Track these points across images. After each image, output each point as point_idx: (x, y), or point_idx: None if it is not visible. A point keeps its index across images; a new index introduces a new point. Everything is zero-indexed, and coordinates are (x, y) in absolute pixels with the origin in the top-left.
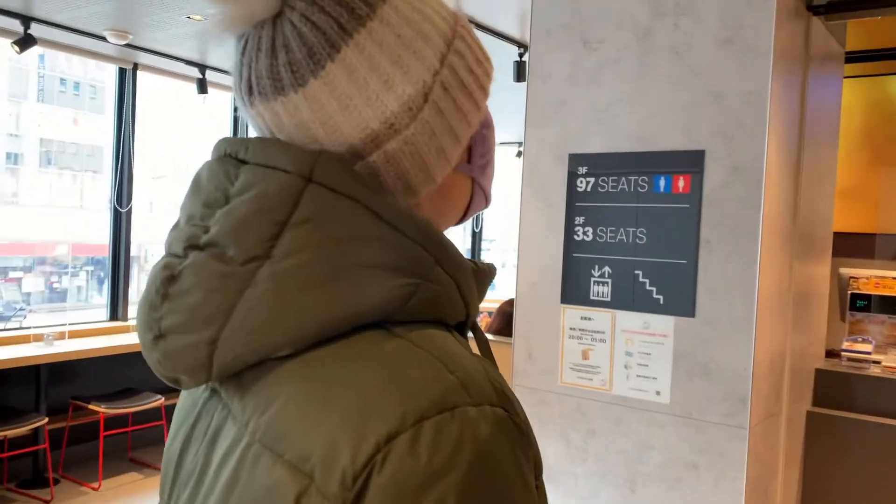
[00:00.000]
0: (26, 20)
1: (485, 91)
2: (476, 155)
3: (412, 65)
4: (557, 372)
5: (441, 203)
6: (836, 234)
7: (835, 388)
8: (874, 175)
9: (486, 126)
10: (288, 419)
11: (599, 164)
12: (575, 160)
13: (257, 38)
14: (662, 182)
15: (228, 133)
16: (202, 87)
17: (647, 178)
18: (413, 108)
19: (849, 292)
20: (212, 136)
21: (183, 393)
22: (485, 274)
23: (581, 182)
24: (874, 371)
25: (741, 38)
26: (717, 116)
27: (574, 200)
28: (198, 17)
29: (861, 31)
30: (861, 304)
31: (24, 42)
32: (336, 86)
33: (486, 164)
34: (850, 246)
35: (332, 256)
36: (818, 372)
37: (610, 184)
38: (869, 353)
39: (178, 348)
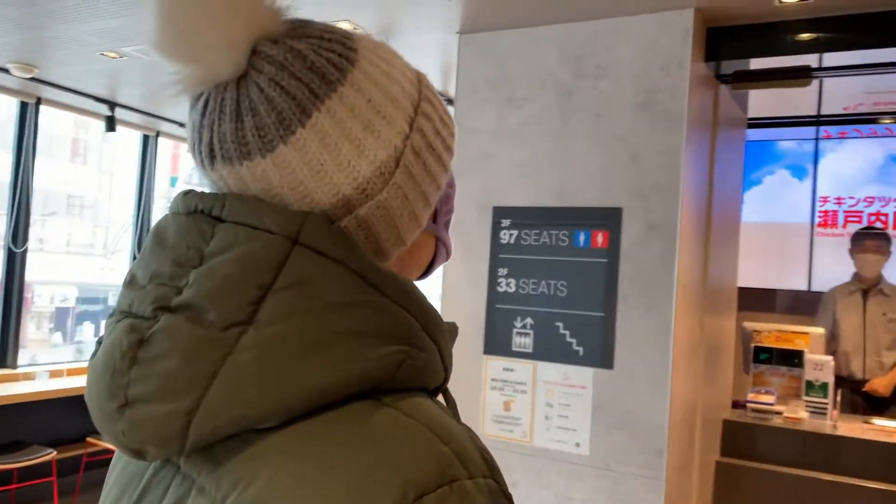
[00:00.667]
0: None
1: (450, 151)
2: (441, 213)
3: (383, 130)
4: (479, 423)
5: (408, 261)
6: (739, 288)
7: (741, 439)
8: (777, 232)
9: (451, 185)
10: (277, 495)
11: (523, 217)
12: (499, 213)
13: (220, 99)
14: (582, 237)
15: (136, 171)
16: (111, 124)
17: (567, 233)
18: (385, 172)
19: (752, 345)
20: (115, 173)
21: (119, 462)
22: (451, 335)
23: (505, 234)
24: (776, 422)
25: (657, 102)
26: (634, 176)
27: (498, 252)
28: (112, 55)
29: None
30: (763, 356)
31: None
32: (307, 151)
33: (449, 221)
34: (753, 300)
35: (320, 323)
36: (725, 423)
37: (532, 237)
38: (771, 405)
39: (149, 418)
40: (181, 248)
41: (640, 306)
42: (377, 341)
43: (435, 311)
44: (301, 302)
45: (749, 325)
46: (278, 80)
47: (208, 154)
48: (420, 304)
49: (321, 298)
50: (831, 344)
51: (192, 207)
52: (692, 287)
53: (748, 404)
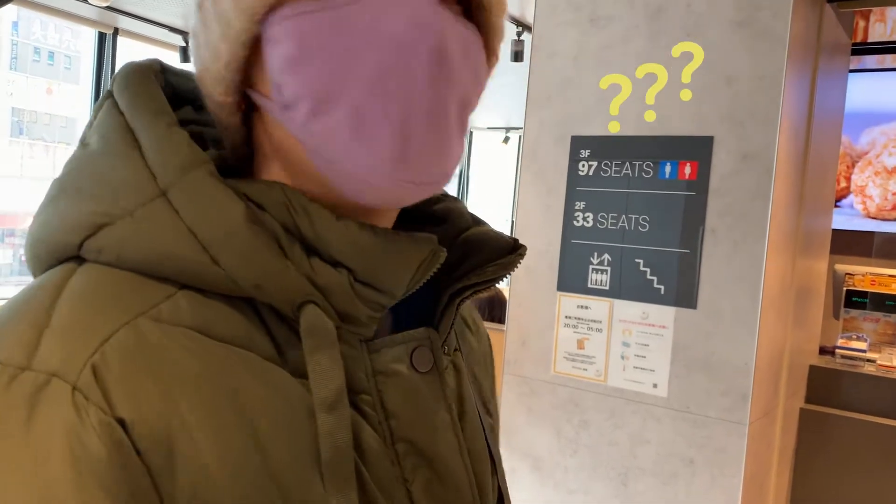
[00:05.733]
0: None
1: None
2: (277, 80)
3: None
4: (551, 361)
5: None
6: (833, 230)
7: (828, 386)
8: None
9: (283, 40)
10: None
11: (603, 147)
12: (577, 143)
13: None
14: (668, 168)
15: None
16: (185, 55)
17: (652, 164)
18: None
19: (844, 289)
20: None
21: None
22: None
23: (583, 166)
24: (869, 369)
25: (757, 20)
26: (728, 102)
27: (575, 185)
28: None
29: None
30: (856, 301)
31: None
32: None
33: (313, 108)
34: (847, 243)
35: (69, 173)
36: (812, 369)
37: (613, 168)
38: (864, 352)
39: None
40: None
41: (729, 242)
42: (81, 199)
43: (216, 185)
44: (76, 151)
45: (841, 267)
46: None
47: None
48: (175, 163)
49: (88, 148)
50: None
51: None
52: (786, 224)
53: (837, 350)
